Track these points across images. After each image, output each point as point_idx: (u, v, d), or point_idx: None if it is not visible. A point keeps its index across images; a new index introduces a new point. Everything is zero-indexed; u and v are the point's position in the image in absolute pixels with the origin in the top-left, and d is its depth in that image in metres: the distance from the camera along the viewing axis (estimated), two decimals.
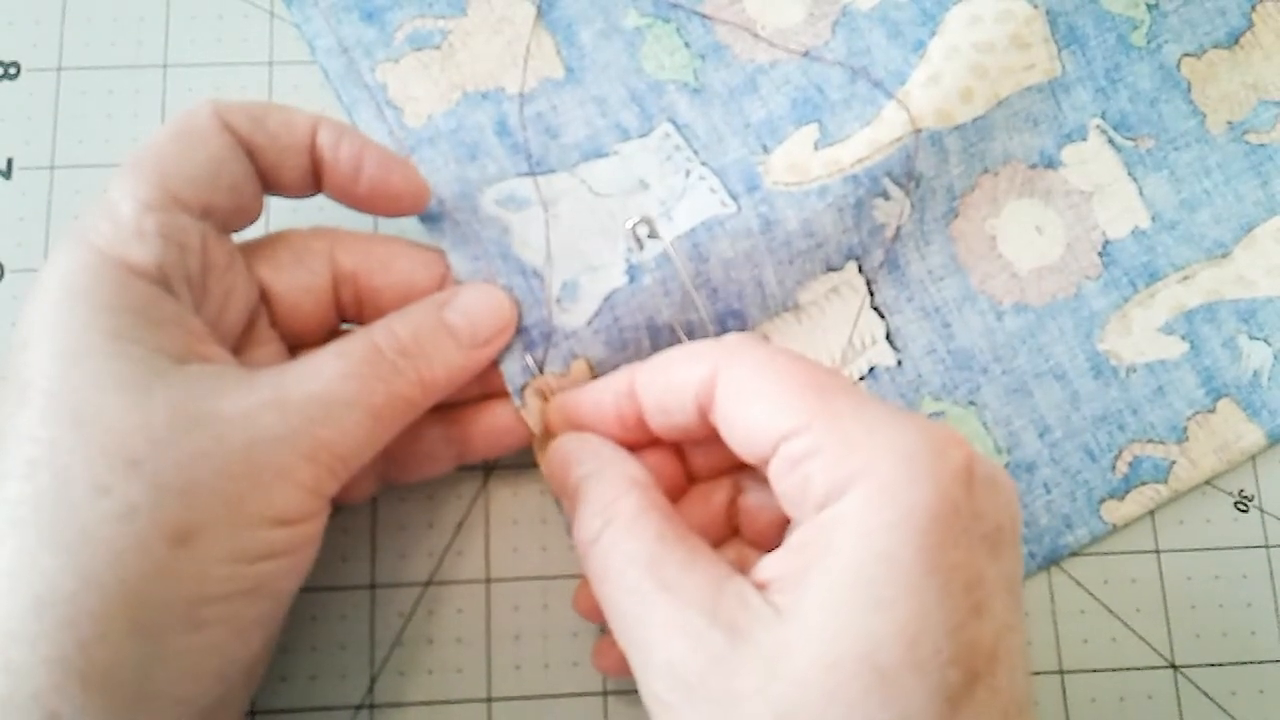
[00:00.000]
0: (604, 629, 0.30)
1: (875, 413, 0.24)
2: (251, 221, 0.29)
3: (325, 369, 0.26)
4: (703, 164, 0.34)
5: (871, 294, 0.34)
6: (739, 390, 0.26)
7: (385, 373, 0.27)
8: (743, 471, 0.30)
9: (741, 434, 0.26)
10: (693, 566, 0.24)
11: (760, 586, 0.24)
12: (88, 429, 0.23)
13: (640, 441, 0.29)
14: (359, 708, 0.31)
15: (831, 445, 0.24)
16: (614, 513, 0.26)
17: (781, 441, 0.24)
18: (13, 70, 0.35)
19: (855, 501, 0.23)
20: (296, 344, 0.30)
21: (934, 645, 0.22)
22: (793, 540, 0.24)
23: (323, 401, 0.25)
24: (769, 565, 0.24)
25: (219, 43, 0.36)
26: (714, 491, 0.30)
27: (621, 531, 0.26)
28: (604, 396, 0.29)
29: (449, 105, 0.34)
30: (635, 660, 0.25)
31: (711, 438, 0.27)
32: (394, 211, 0.30)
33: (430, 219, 0.32)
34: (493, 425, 0.31)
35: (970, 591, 0.22)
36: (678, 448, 0.30)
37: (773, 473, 0.25)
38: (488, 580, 0.32)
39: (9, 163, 0.35)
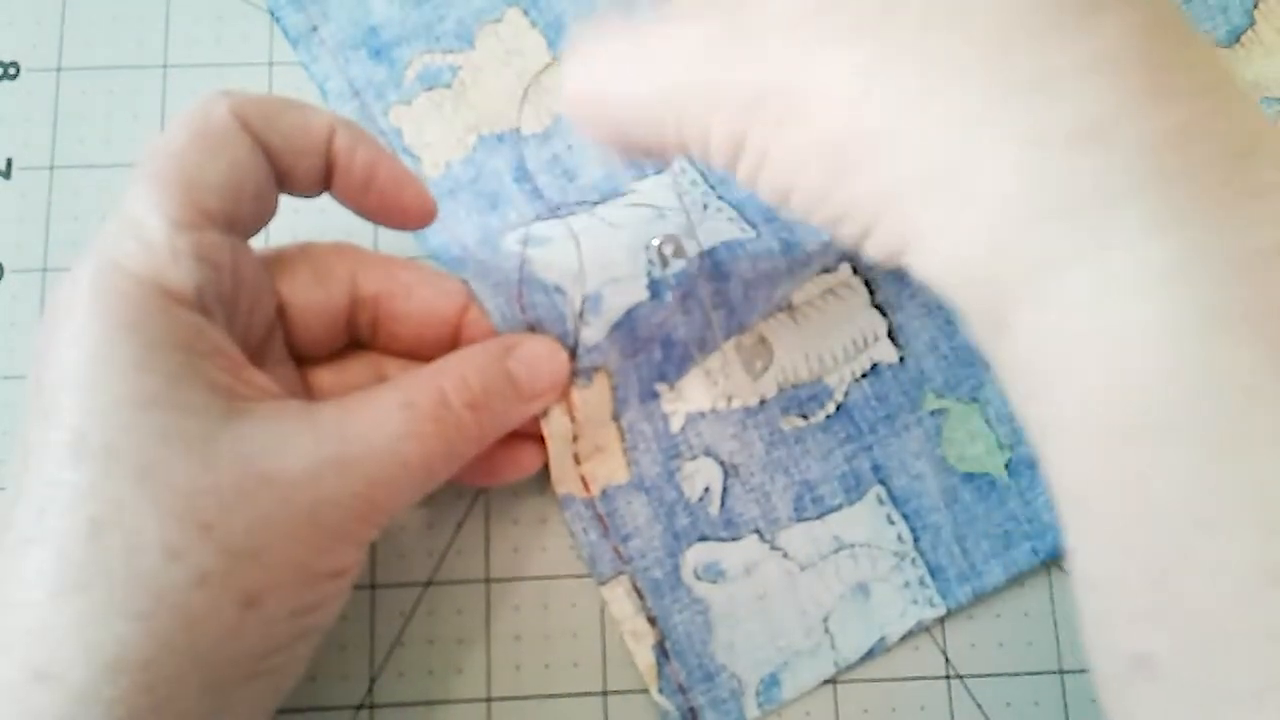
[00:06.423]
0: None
1: None
2: (266, 223, 0.28)
3: (389, 423, 0.25)
4: (719, 198, 0.33)
5: (872, 292, 0.34)
6: None
7: (448, 430, 0.26)
8: None
9: None
10: None
11: None
12: (155, 489, 0.22)
13: None
14: (359, 708, 0.31)
15: None
16: None
17: None
18: (12, 70, 0.35)
19: None
20: (300, 358, 0.29)
21: None
22: None
23: (383, 463, 0.24)
24: None
25: (219, 43, 0.36)
26: None
27: None
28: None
29: (465, 151, 0.34)
30: None
31: None
32: (398, 225, 0.29)
33: (451, 262, 0.32)
34: (504, 457, 0.30)
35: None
36: None
37: None
38: (488, 580, 0.32)
39: (9, 163, 0.35)
